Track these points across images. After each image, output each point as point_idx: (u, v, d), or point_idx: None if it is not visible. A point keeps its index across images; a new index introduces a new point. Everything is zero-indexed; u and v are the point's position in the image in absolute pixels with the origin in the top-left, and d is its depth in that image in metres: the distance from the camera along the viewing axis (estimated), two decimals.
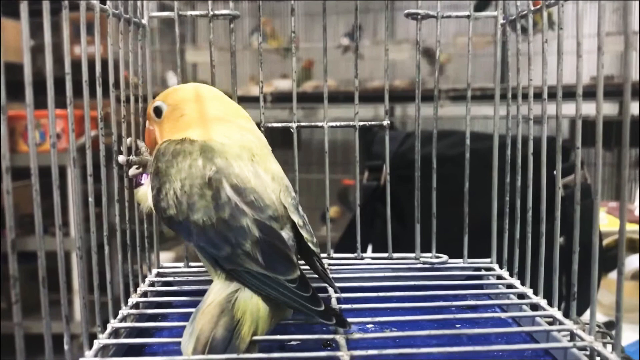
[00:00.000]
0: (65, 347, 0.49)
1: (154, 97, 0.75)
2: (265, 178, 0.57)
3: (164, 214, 0.56)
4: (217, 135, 0.59)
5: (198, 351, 0.48)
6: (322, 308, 0.51)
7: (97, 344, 0.55)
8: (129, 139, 0.66)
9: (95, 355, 0.53)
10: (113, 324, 0.59)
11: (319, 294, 0.52)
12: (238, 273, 0.52)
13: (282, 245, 0.53)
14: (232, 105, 0.64)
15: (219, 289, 0.53)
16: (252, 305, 0.51)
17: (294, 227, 0.57)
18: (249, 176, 0.55)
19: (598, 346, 0.53)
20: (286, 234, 0.55)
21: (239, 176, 0.54)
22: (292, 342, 0.58)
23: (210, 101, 0.62)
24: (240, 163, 0.56)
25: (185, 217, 0.54)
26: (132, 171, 0.65)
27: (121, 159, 0.64)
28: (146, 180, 0.63)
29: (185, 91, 0.63)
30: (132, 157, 0.65)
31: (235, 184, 0.54)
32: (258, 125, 0.75)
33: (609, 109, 2.38)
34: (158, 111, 0.63)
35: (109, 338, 0.57)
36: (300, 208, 0.59)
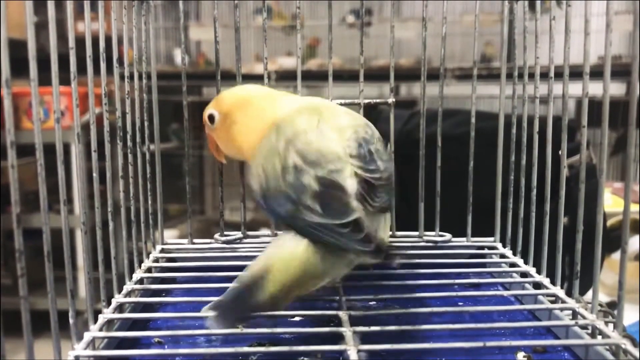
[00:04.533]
0: (71, 321, 0.50)
1: (157, 75, 0.75)
2: (331, 135, 0.58)
3: (255, 192, 0.58)
4: (283, 110, 0.61)
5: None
6: (371, 247, 0.52)
7: (101, 318, 0.55)
8: None
9: (100, 330, 0.54)
10: (117, 298, 0.60)
11: None
12: (297, 227, 0.54)
13: (342, 194, 0.54)
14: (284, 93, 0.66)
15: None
16: (285, 255, 0.52)
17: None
18: (313, 138, 0.57)
19: (600, 324, 0.53)
20: (351, 182, 0.55)
21: (304, 141, 0.56)
22: (296, 318, 0.59)
23: (259, 102, 0.64)
24: (306, 127, 0.58)
25: (265, 190, 0.57)
26: None
27: None
28: None
29: (232, 97, 0.65)
30: None
31: (300, 149, 0.56)
32: None
33: (616, 88, 2.36)
34: (211, 119, 0.66)
35: (113, 313, 0.57)
36: (375, 155, 0.58)
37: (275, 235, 0.76)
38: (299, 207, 0.53)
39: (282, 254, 0.52)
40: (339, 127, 0.59)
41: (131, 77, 0.68)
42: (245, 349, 0.52)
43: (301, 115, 0.60)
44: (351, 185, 0.55)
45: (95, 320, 0.55)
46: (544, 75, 0.64)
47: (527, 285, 0.66)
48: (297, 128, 0.58)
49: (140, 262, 0.70)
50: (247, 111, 0.64)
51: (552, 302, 0.62)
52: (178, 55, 3.07)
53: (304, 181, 0.54)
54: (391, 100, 0.76)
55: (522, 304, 0.66)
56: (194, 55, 3.44)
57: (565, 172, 0.62)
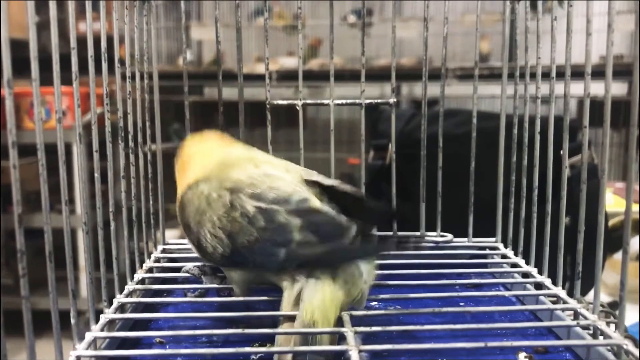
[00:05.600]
0: (72, 321, 0.50)
1: (159, 75, 0.75)
2: (278, 173, 0.56)
3: (215, 256, 0.56)
4: (216, 162, 0.60)
5: None
6: (394, 245, 0.55)
7: (103, 318, 0.55)
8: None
9: (102, 330, 0.54)
10: (119, 298, 0.60)
11: None
12: (305, 266, 0.52)
13: (327, 217, 0.52)
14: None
15: (286, 299, 0.53)
16: (317, 301, 0.51)
17: (332, 199, 0.56)
18: (261, 179, 0.55)
19: (601, 325, 0.53)
20: (325, 205, 0.54)
21: (252, 184, 0.54)
22: None
23: (212, 146, 0.63)
24: (246, 173, 0.56)
25: (232, 247, 0.54)
26: None
27: None
28: None
29: (191, 147, 0.66)
30: None
31: (251, 193, 0.54)
32: (263, 102, 0.75)
33: (618, 88, 2.36)
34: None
35: (115, 313, 0.57)
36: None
37: None
38: (291, 246, 0.51)
39: (316, 302, 0.51)
40: (283, 166, 0.59)
41: (133, 77, 0.68)
42: (247, 349, 0.52)
43: (234, 164, 0.58)
44: (326, 208, 0.54)
45: (97, 320, 0.55)
46: (546, 75, 0.64)
47: (528, 285, 0.66)
48: (235, 176, 0.56)
49: (142, 262, 0.70)
50: (199, 154, 0.64)
51: (553, 302, 0.62)
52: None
53: (280, 220, 0.52)
54: (392, 100, 0.76)
55: (523, 304, 0.66)
56: (195, 54, 3.44)
57: (566, 172, 0.62)
